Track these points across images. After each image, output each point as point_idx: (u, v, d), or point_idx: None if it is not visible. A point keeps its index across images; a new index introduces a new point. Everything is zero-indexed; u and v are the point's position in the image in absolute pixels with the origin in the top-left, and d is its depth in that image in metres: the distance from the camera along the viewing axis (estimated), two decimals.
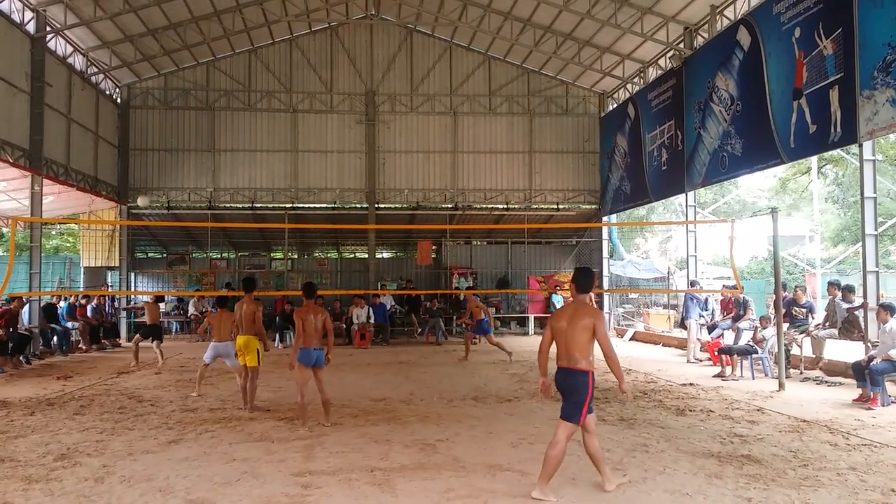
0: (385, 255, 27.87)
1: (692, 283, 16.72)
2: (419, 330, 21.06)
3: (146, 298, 18.93)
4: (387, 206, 23.25)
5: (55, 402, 9.94)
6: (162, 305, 23.11)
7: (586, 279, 5.99)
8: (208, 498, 5.54)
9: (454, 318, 22.32)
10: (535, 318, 23.30)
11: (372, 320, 19.40)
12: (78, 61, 18.82)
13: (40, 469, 6.34)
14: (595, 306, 6.26)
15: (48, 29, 16.71)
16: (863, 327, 11.76)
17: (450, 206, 23.25)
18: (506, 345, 15.84)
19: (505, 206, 23.52)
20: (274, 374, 13.06)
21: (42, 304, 16.79)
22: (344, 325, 19.97)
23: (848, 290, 12.21)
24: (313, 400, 8.42)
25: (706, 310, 16.08)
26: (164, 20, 19.02)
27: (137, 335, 15.13)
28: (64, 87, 17.86)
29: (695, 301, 15.24)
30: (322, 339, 8.25)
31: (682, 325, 15.99)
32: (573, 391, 5.76)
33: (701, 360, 14.75)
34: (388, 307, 20.99)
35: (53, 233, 30.23)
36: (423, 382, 11.93)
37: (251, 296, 9.49)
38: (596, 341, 5.77)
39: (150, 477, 6.08)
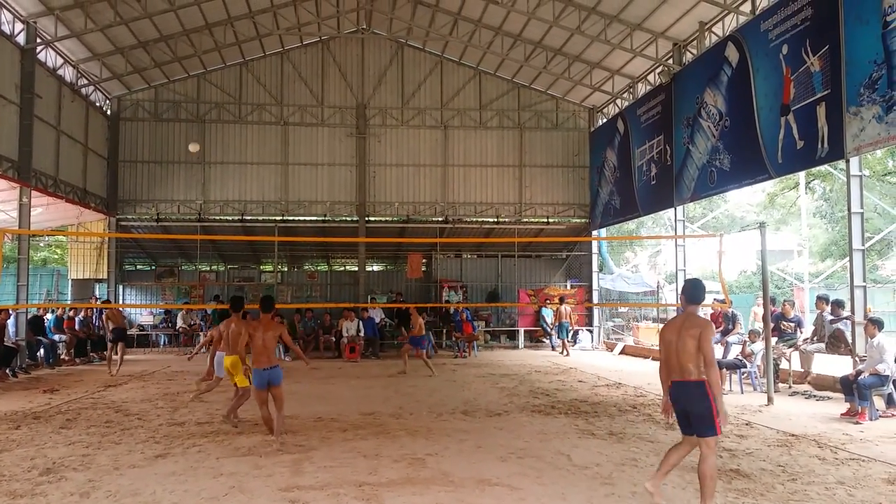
0: (375, 268, 27.82)
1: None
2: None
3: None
4: (377, 219, 23.26)
5: (41, 416, 9.85)
6: (150, 319, 23.13)
7: (696, 290, 5.78)
8: None
9: (444, 331, 22.30)
10: (525, 331, 23.30)
11: (362, 333, 19.34)
12: (68, 73, 18.78)
13: (25, 484, 6.28)
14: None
15: (38, 40, 16.67)
16: (849, 342, 11.82)
17: (440, 219, 23.28)
18: (433, 364, 15.82)
19: (495, 220, 23.57)
20: None
21: (29, 316, 16.66)
22: (334, 339, 19.92)
23: (837, 305, 12.26)
24: (299, 414, 8.38)
25: None
26: (156, 33, 19.02)
27: (110, 343, 15.92)
28: (54, 98, 17.82)
29: None
30: (274, 356, 8.01)
31: None
32: (692, 404, 5.44)
33: None
34: (378, 320, 20.94)
35: (41, 245, 30.04)
36: (413, 396, 11.89)
37: (238, 315, 9.27)
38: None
39: (136, 492, 6.03)
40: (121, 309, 18.01)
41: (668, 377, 5.64)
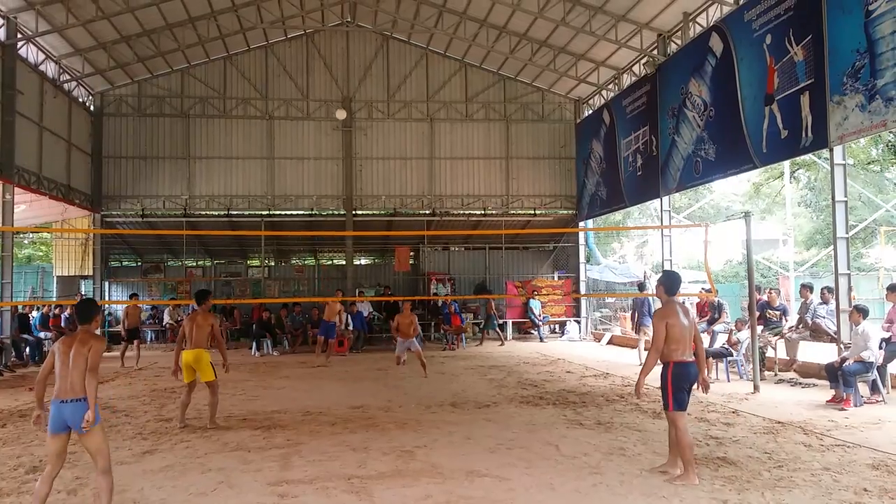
0: (363, 261, 27.81)
1: (640, 287, 17.28)
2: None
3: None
4: (364, 212, 23.21)
5: (27, 414, 9.77)
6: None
7: (677, 281, 6.58)
8: None
9: (432, 324, 22.32)
10: (513, 322, 23.35)
11: (350, 327, 19.32)
12: (50, 69, 18.60)
13: (11, 482, 6.24)
14: None
15: (19, 36, 16.50)
16: (829, 332, 11.94)
17: (427, 212, 23.26)
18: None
19: (482, 212, 23.58)
20: (250, 382, 13.00)
21: (14, 313, 16.54)
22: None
23: (828, 291, 12.35)
24: (288, 408, 8.34)
25: None
26: (138, 27, 18.87)
27: (124, 342, 16.36)
28: (36, 94, 17.66)
29: (640, 305, 15.99)
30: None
31: (637, 329, 16.21)
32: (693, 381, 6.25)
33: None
34: (367, 314, 20.93)
35: (26, 242, 29.84)
36: (402, 389, 11.89)
37: (205, 308, 8.99)
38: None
39: (123, 489, 6.00)
40: (140, 307, 18.06)
41: (677, 356, 6.16)
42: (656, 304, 19.21)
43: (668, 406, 6.14)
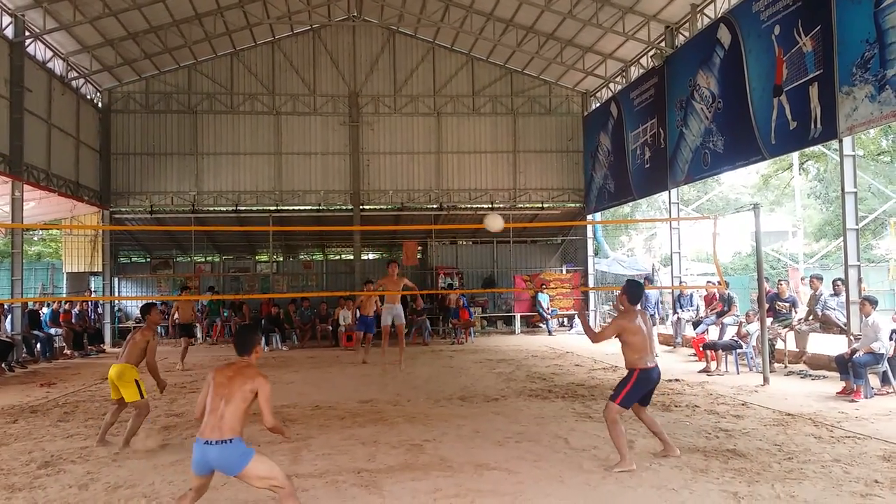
0: (371, 256, 27.83)
1: (647, 279, 17.48)
2: (406, 330, 20.99)
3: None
4: (371, 207, 23.22)
5: (38, 410, 9.85)
6: None
7: (639, 291, 6.84)
8: None
9: (440, 318, 22.33)
10: (522, 316, 23.34)
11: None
12: (58, 66, 18.65)
13: (24, 477, 6.29)
14: None
15: (27, 34, 16.54)
16: (838, 324, 11.89)
17: (434, 206, 23.24)
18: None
19: (490, 206, 23.52)
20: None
21: (25, 310, 16.63)
22: (330, 327, 19.93)
23: (840, 283, 12.30)
24: (297, 403, 8.36)
25: (691, 306, 16.29)
26: (145, 24, 18.89)
27: (183, 338, 15.74)
28: (44, 91, 17.71)
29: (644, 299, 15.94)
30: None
31: None
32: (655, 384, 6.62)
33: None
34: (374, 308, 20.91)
35: (35, 239, 29.98)
36: (410, 383, 11.91)
37: (149, 322, 8.11)
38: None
39: (134, 483, 6.04)
40: (193, 302, 16.99)
41: (642, 364, 6.43)
42: (660, 298, 19.25)
43: (615, 398, 6.36)
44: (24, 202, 16.24)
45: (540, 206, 23.75)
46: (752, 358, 12.42)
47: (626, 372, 6.53)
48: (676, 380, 11.54)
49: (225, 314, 21.13)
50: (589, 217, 23.54)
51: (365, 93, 23.05)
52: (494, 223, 11.34)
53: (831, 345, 12.48)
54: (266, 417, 4.63)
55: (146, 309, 8.24)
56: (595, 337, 6.80)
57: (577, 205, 23.79)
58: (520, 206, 23.64)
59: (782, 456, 6.52)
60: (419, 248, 24.45)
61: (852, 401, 9.17)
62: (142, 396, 7.46)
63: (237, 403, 4.54)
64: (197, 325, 19.62)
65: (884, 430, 7.46)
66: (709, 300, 15.42)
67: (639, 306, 6.70)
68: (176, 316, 15.87)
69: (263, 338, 18.36)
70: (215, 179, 22.46)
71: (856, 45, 10.96)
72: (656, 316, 16.22)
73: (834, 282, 12.59)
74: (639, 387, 6.38)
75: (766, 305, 11.79)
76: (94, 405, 10.16)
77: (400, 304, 12.56)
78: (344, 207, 23.06)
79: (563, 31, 20.04)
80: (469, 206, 23.45)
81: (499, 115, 23.55)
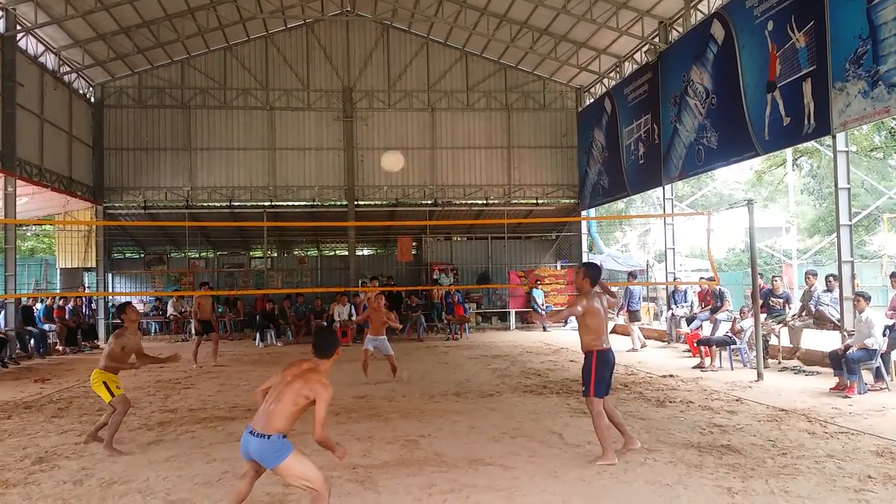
0: (365, 252, 27.82)
1: (631, 275, 17.57)
2: (400, 326, 20.99)
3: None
4: (366, 202, 23.19)
5: (32, 406, 9.83)
6: (140, 306, 23.03)
7: (600, 271, 6.84)
8: (189, 498, 5.51)
9: (434, 313, 22.35)
10: (517, 312, 23.36)
11: (354, 318, 19.32)
12: (50, 60, 18.56)
13: (18, 473, 6.27)
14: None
15: (18, 28, 16.46)
16: (832, 320, 11.93)
17: (429, 202, 23.23)
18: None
19: (484, 202, 23.55)
20: (254, 372, 13.04)
21: (18, 306, 16.57)
22: (325, 323, 19.89)
23: (833, 279, 12.34)
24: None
25: (685, 302, 16.34)
26: (137, 18, 18.81)
27: (196, 336, 15.00)
28: (36, 86, 17.62)
29: (629, 294, 16.37)
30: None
31: (631, 317, 16.52)
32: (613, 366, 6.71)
33: (637, 350, 15.70)
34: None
35: (28, 234, 29.86)
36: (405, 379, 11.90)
37: (126, 323, 7.58)
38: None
39: (129, 479, 6.03)
40: (211, 297, 16.03)
41: (598, 345, 6.54)
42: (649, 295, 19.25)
43: (588, 392, 6.43)
44: (16, 197, 16.18)
45: (534, 201, 23.76)
46: (745, 354, 12.45)
47: (584, 359, 6.59)
48: (671, 375, 11.57)
49: (220, 310, 21.06)
50: (583, 213, 23.58)
51: (359, 88, 23.00)
52: (390, 161, 10.96)
53: (825, 341, 12.52)
54: (316, 429, 4.53)
55: (121, 309, 7.73)
56: (554, 317, 7.27)
57: (572, 200, 23.82)
58: (514, 201, 23.65)
59: (776, 451, 6.54)
60: (414, 243, 24.43)
61: (846, 396, 9.20)
62: (112, 395, 7.19)
63: (286, 404, 4.52)
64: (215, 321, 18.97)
65: (877, 426, 7.50)
66: (703, 296, 15.46)
67: (597, 288, 6.62)
68: (197, 312, 15.13)
69: (258, 333, 18.51)
70: (209, 175, 22.40)
71: (849, 41, 10.99)
72: (647, 310, 16.38)
73: (826, 277, 12.63)
74: (600, 369, 6.42)
75: (760, 301, 11.82)
76: (88, 401, 10.13)
77: (385, 336, 11.90)
78: (338, 203, 23.03)
79: (557, 27, 20.04)
80: (464, 201, 23.44)
81: (493, 110, 23.53)
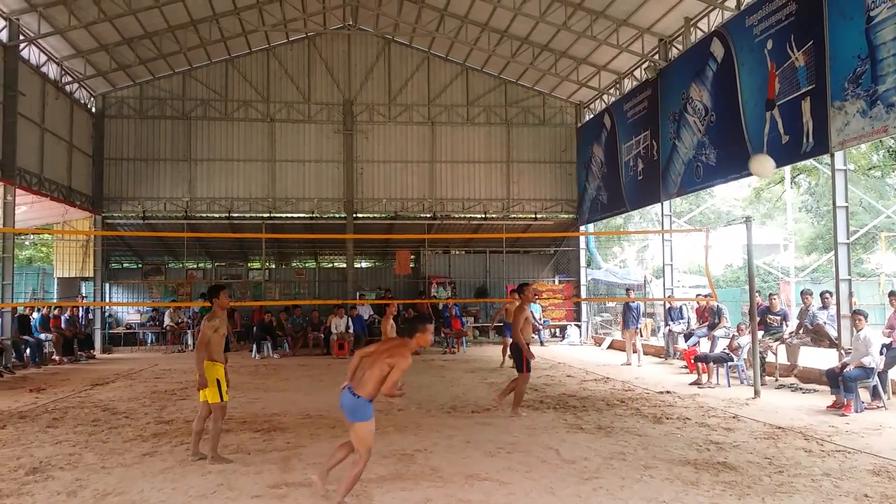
0: (363, 264, 27.81)
1: (628, 290, 18.61)
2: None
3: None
4: (365, 215, 23.20)
5: (27, 415, 9.78)
6: (137, 317, 23.00)
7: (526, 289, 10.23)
8: None
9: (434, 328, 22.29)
10: None
11: (351, 330, 19.31)
12: (52, 70, 18.61)
13: (11, 483, 6.23)
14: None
15: (21, 37, 16.52)
16: (830, 335, 11.93)
17: (428, 215, 23.25)
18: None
19: (483, 216, 23.57)
20: (250, 384, 13.00)
21: (15, 315, 16.53)
22: (322, 335, 19.88)
23: (829, 295, 12.36)
24: (288, 411, 8.31)
25: (682, 318, 16.35)
26: (140, 29, 18.89)
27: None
28: (37, 96, 17.67)
29: (630, 310, 16.35)
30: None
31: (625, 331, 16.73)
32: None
33: (630, 364, 15.81)
34: (367, 317, 20.93)
35: (27, 243, 29.85)
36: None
37: (215, 307, 7.26)
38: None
39: (123, 490, 6.00)
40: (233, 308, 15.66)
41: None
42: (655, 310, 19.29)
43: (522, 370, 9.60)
44: (15, 206, 16.18)
45: (533, 216, 23.78)
46: (743, 371, 12.44)
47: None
48: (668, 392, 11.55)
49: None
50: (582, 228, 23.60)
51: (359, 101, 23.07)
52: (763, 167, 10.38)
53: (822, 358, 12.52)
54: (386, 385, 5.44)
55: (213, 292, 7.27)
56: (525, 335, 9.95)
57: (570, 216, 23.84)
58: (513, 216, 23.67)
59: (773, 469, 6.53)
60: (412, 257, 24.44)
61: (843, 415, 9.19)
62: (222, 399, 6.94)
63: (375, 371, 5.47)
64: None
65: (874, 445, 7.48)
66: (700, 313, 15.46)
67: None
68: None
69: (255, 345, 18.43)
70: (208, 186, 22.41)
71: (848, 61, 11.05)
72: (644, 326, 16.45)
73: (822, 294, 12.65)
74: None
75: (758, 318, 11.82)
76: (84, 411, 10.09)
77: None
78: (337, 215, 23.04)
79: (557, 43, 20.14)
80: (462, 215, 23.47)
81: (493, 125, 23.60)
